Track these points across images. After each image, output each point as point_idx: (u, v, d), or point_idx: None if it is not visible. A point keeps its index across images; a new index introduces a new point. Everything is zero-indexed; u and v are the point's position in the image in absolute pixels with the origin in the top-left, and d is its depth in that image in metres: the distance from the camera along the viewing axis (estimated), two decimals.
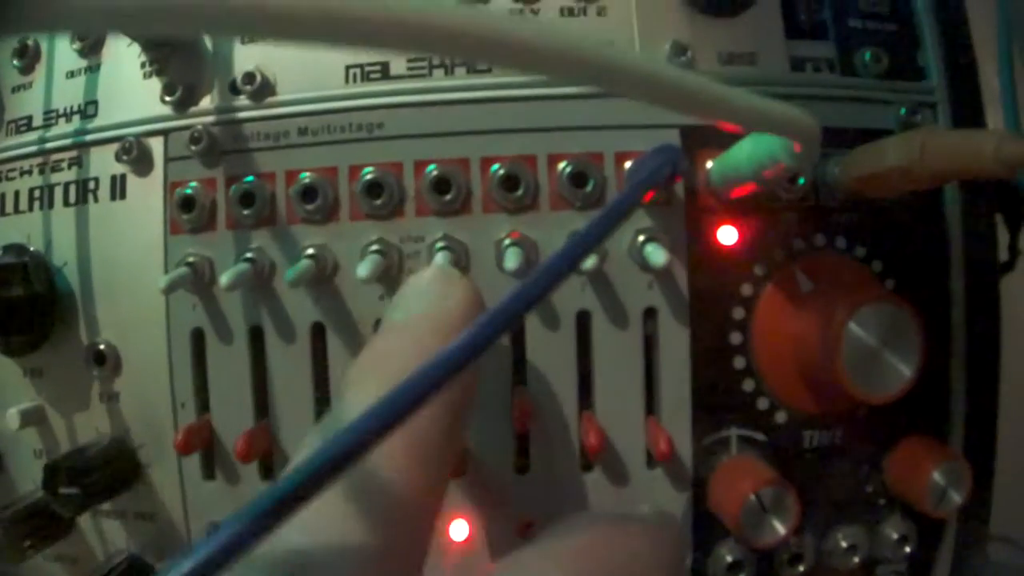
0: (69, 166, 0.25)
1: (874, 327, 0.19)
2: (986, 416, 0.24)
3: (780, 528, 0.20)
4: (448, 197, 0.22)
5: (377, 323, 0.22)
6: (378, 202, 0.22)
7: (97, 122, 0.25)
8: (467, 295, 0.17)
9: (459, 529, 0.22)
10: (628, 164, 0.22)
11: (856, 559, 0.23)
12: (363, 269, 0.20)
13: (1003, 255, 0.26)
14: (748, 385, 0.22)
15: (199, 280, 0.22)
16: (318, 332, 0.22)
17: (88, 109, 0.25)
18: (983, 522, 0.25)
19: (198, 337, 0.23)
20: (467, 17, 0.10)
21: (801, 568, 0.23)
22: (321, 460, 0.12)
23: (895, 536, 0.23)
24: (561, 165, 0.22)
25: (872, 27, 0.24)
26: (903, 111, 0.24)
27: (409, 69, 0.22)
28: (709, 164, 0.22)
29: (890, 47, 0.24)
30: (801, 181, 0.22)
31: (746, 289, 0.22)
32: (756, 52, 0.23)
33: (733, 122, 0.16)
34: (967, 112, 0.24)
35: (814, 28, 0.24)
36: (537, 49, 0.11)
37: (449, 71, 0.22)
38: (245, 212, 0.22)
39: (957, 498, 0.21)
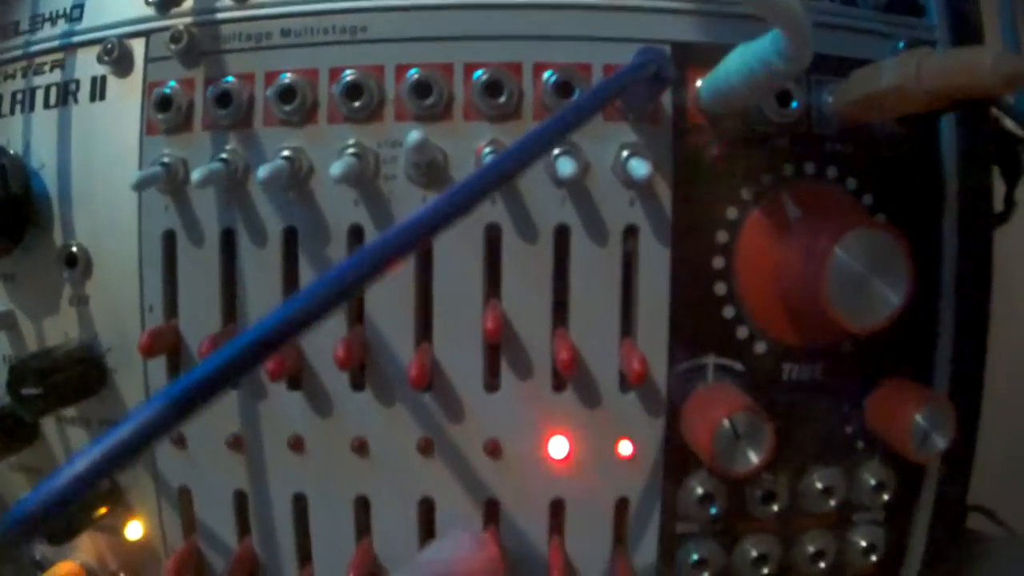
0: (52, 69, 0.25)
1: (861, 253, 0.19)
2: (973, 363, 0.23)
3: (753, 457, 0.19)
4: (428, 101, 0.21)
5: (351, 229, 0.21)
6: (357, 104, 0.21)
7: (82, 24, 0.24)
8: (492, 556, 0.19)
9: (424, 446, 0.21)
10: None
11: (832, 503, 0.22)
12: (336, 168, 0.20)
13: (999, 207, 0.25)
14: (728, 312, 0.21)
15: (172, 181, 0.22)
16: (290, 236, 0.22)
17: (73, 12, 0.24)
18: (964, 476, 0.24)
19: (169, 239, 0.22)
20: None
21: (775, 507, 0.22)
22: (235, 349, 0.12)
23: (872, 482, 0.22)
24: (546, 74, 0.21)
25: None
26: (901, 45, 0.23)
27: None
28: (699, 83, 0.21)
29: None
30: (794, 105, 0.22)
31: (732, 212, 0.21)
32: None
33: None
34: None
35: None
36: None
37: None
38: (222, 112, 0.22)
39: (940, 442, 0.21)
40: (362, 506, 0.22)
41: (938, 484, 0.23)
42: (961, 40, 0.23)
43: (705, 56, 0.21)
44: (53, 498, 0.10)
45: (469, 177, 0.15)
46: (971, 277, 0.23)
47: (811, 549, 0.22)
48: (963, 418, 0.22)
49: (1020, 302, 0.36)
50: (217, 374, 0.12)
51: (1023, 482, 0.34)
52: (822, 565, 0.22)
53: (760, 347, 0.22)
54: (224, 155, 0.22)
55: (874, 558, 0.23)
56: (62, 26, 0.25)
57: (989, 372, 0.24)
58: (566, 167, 0.19)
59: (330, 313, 0.13)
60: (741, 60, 0.18)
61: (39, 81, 0.25)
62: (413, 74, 0.21)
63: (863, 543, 0.23)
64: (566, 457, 0.21)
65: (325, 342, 0.21)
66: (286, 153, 0.21)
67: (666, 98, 0.21)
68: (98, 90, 0.24)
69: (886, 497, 0.22)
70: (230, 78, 0.22)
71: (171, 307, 0.23)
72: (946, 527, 0.23)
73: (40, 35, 0.25)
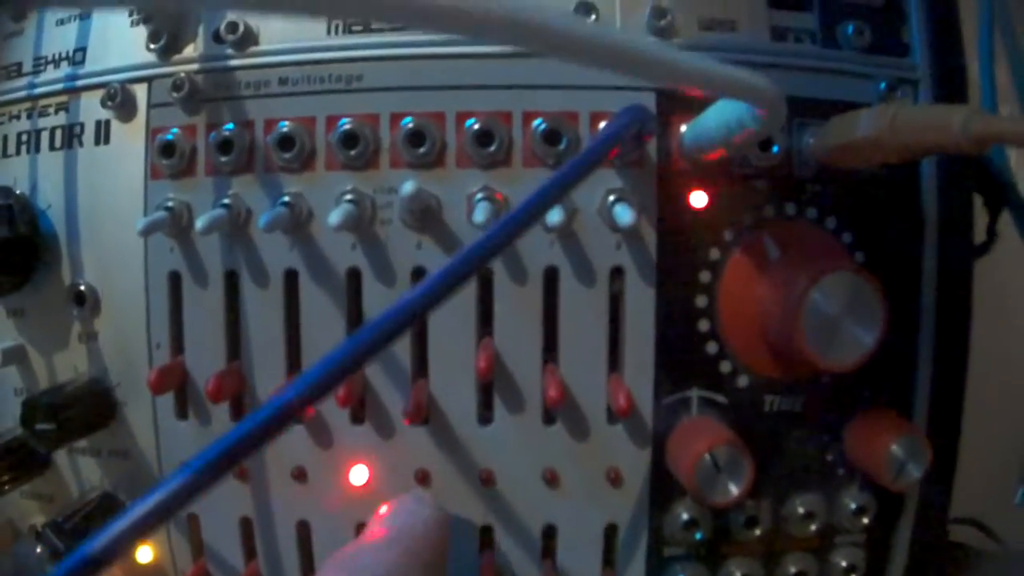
0: (56, 111, 0.25)
1: (837, 296, 0.20)
2: (952, 395, 0.24)
3: (734, 488, 0.20)
4: (422, 150, 0.22)
5: (349, 272, 0.22)
6: (353, 152, 0.22)
7: (85, 68, 0.25)
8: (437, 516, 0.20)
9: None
10: (603, 124, 0.22)
11: (813, 527, 0.23)
12: (334, 217, 0.21)
13: (980, 237, 0.26)
14: (711, 348, 0.22)
15: (177, 224, 0.23)
16: (291, 278, 0.23)
17: (76, 56, 0.25)
18: (944, 501, 0.25)
19: (175, 279, 0.23)
20: None
21: (757, 531, 0.23)
22: (267, 413, 0.13)
23: (853, 506, 0.23)
24: (535, 123, 0.22)
25: (857, 1, 0.24)
26: (883, 86, 0.24)
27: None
28: (683, 128, 0.22)
29: (874, 21, 0.24)
30: (775, 149, 0.22)
31: (714, 253, 0.22)
32: (737, 19, 0.23)
33: (693, 87, 0.16)
34: (949, 92, 0.24)
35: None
36: (474, 13, 0.11)
37: None
38: (223, 159, 0.23)
39: (915, 472, 0.22)
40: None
41: (918, 508, 0.24)
42: (944, 79, 0.24)
43: (689, 101, 0.22)
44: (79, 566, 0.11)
45: (477, 241, 0.16)
46: (950, 308, 0.24)
47: (793, 570, 0.23)
48: (942, 445, 0.23)
49: (1012, 311, 0.37)
50: (240, 445, 0.13)
51: (1011, 493, 0.35)
52: None
53: (743, 380, 0.23)
54: (227, 200, 0.22)
55: None
56: (65, 69, 0.25)
57: (979, 381, 0.24)
58: (555, 216, 0.20)
59: (338, 386, 0.14)
60: (719, 116, 0.19)
61: (44, 123, 0.26)
62: (407, 123, 0.22)
63: (844, 564, 0.24)
64: (557, 485, 0.22)
65: None
66: (286, 199, 0.22)
67: (651, 143, 0.22)
68: (103, 134, 0.25)
69: (866, 521, 0.23)
70: (231, 125, 0.23)
71: (177, 344, 0.23)
72: (926, 550, 0.24)
73: (44, 77, 0.26)
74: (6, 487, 0.24)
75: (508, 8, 0.11)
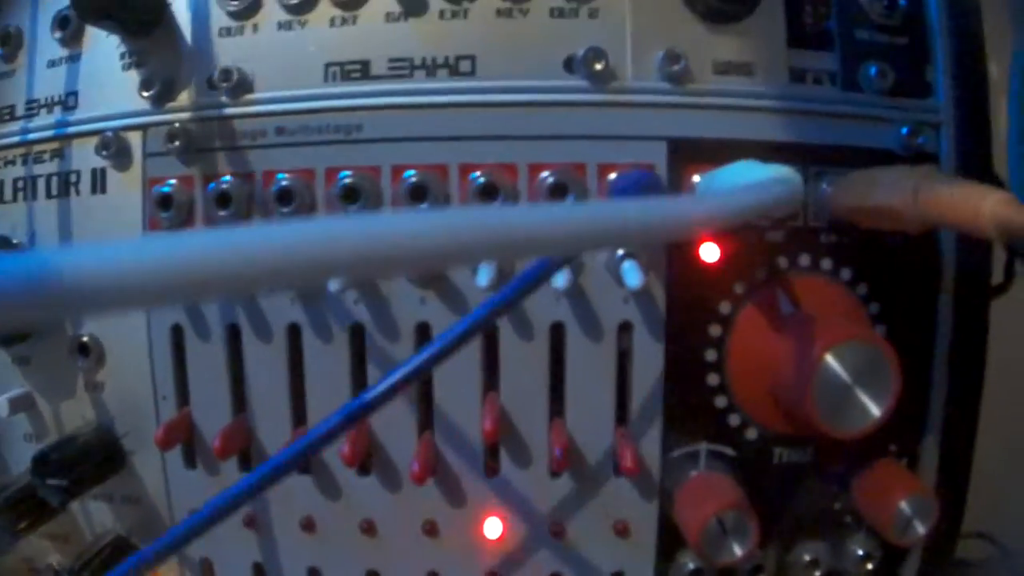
0: (51, 158, 0.25)
1: (850, 364, 0.19)
2: (962, 442, 0.24)
3: (738, 551, 0.20)
4: (425, 205, 0.21)
5: (353, 328, 0.22)
6: (354, 207, 0.21)
7: (78, 114, 0.24)
8: None
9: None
10: (611, 176, 0.21)
11: (817, 573, 0.23)
12: (334, 282, 0.20)
13: (997, 277, 0.26)
14: (721, 401, 0.22)
15: None
16: (294, 332, 0.22)
17: (69, 100, 0.25)
18: (950, 547, 0.25)
19: (177, 333, 0.23)
20: None
21: None
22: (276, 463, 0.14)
23: (860, 552, 0.23)
24: (542, 175, 0.21)
25: (881, 40, 0.23)
26: (904, 131, 0.22)
27: (390, 69, 0.22)
28: (696, 179, 0.21)
29: (897, 62, 0.23)
30: None
31: (725, 307, 0.22)
32: (754, 62, 0.22)
33: (721, 227, 0.15)
34: (973, 136, 0.23)
35: (819, 37, 0.23)
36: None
37: (431, 72, 0.22)
38: (222, 213, 0.22)
39: (921, 529, 0.21)
40: None
41: (923, 552, 0.24)
42: (967, 121, 0.23)
43: (701, 150, 0.21)
44: None
45: (473, 315, 0.16)
46: (964, 354, 0.23)
47: None
48: (949, 494, 0.23)
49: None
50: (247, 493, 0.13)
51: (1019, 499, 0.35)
52: None
53: (751, 433, 0.22)
54: None
55: None
56: (58, 114, 0.25)
57: (989, 385, 0.24)
58: (560, 281, 0.20)
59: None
60: (736, 181, 0.18)
61: (39, 170, 0.25)
62: (410, 176, 0.21)
63: None
64: (563, 538, 0.23)
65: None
66: None
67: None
68: (98, 183, 0.24)
69: (871, 566, 0.24)
70: (228, 178, 0.22)
71: (183, 395, 0.23)
72: None
73: (37, 122, 0.25)
74: (22, 532, 0.25)
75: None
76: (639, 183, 0.20)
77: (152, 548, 0.13)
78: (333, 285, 0.20)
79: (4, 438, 0.26)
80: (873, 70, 0.22)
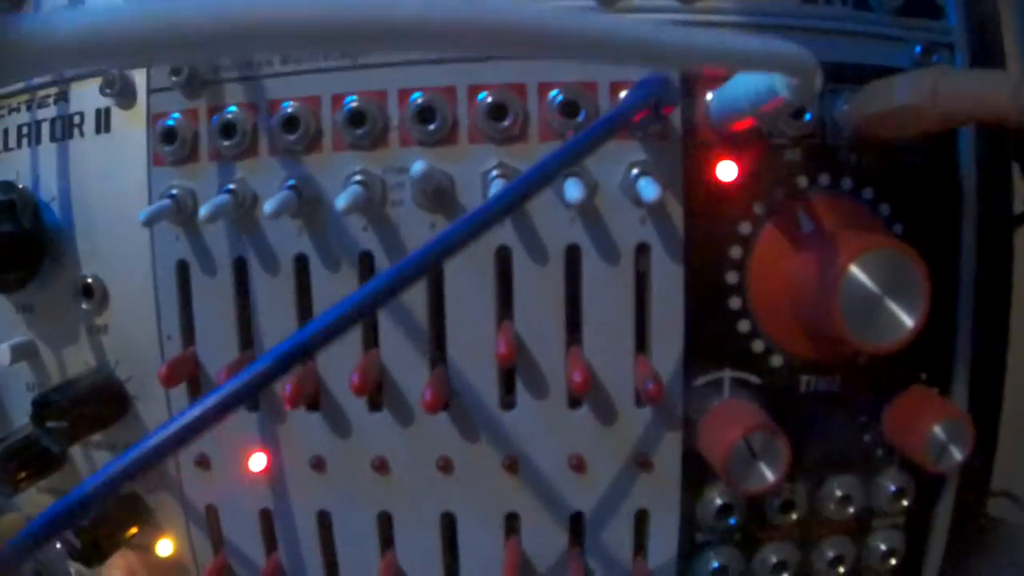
0: (55, 101, 0.25)
1: (877, 274, 0.18)
2: (993, 369, 0.23)
3: (769, 474, 0.20)
4: (433, 127, 0.21)
5: (362, 256, 0.22)
6: (360, 131, 0.21)
7: None
8: None
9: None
10: (623, 95, 0.21)
11: (851, 510, 0.22)
12: (341, 200, 0.20)
13: (1019, 207, 0.25)
14: (743, 326, 0.21)
15: (182, 212, 0.22)
16: (302, 263, 0.22)
17: None
18: (985, 479, 0.24)
19: (183, 269, 0.22)
20: None
21: (794, 516, 0.22)
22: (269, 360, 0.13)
23: (892, 488, 0.22)
24: (551, 94, 0.21)
25: None
26: (918, 49, 0.22)
27: None
28: (708, 96, 0.21)
29: None
30: (807, 117, 0.21)
31: (744, 227, 0.21)
32: None
33: (726, 66, 0.15)
34: (985, 55, 0.23)
35: None
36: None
37: None
38: (226, 143, 0.22)
39: (958, 455, 0.21)
40: (385, 521, 0.23)
41: (957, 488, 0.23)
42: (980, 43, 0.22)
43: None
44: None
45: (476, 209, 0.15)
46: (990, 281, 0.23)
47: (830, 555, 0.22)
48: (982, 422, 0.22)
49: None
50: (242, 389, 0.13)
51: None
52: (841, 570, 0.22)
53: (776, 360, 0.22)
54: (232, 185, 0.22)
55: (893, 562, 0.23)
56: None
57: (1013, 353, 0.23)
58: (574, 192, 0.19)
59: (344, 333, 0.13)
60: (747, 84, 0.18)
61: (43, 114, 0.25)
62: (416, 98, 0.21)
63: (883, 547, 0.23)
64: (583, 471, 0.22)
65: (342, 365, 0.21)
66: (293, 182, 0.21)
67: (675, 113, 0.21)
68: (103, 122, 0.24)
69: (905, 503, 0.22)
70: (233, 108, 0.22)
71: (188, 335, 0.23)
72: (966, 529, 0.23)
73: None
74: (22, 484, 0.24)
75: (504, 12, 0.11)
76: (649, 84, 0.19)
77: (121, 459, 0.12)
78: (340, 202, 0.19)
79: (5, 388, 0.26)
80: None
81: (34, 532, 0.14)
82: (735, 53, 0.14)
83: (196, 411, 0.13)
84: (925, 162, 0.22)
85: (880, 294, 0.18)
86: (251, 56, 0.22)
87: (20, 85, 0.25)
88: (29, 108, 0.25)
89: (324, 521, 0.23)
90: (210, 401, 0.13)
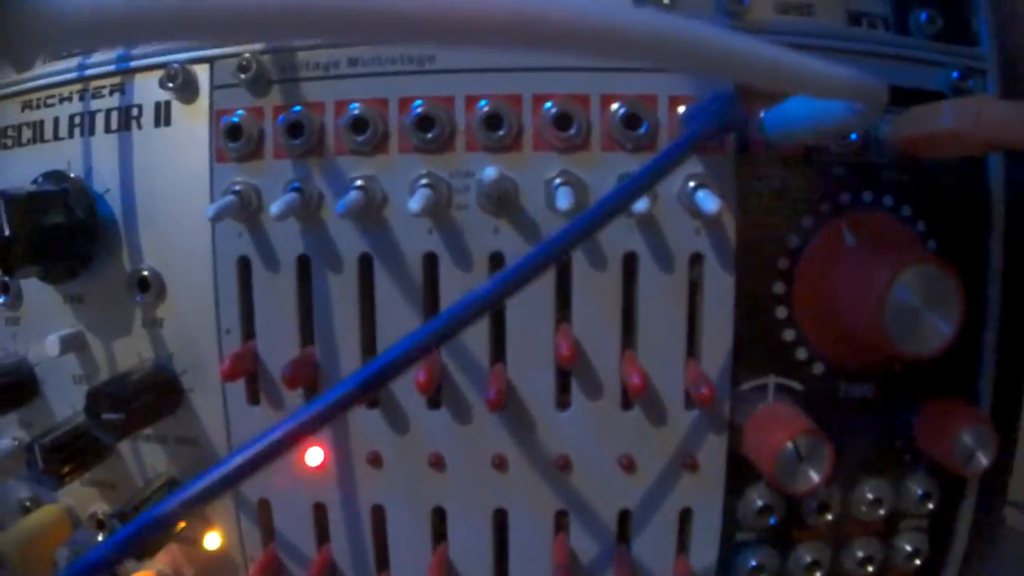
0: (111, 92, 0.25)
1: (917, 287, 0.20)
2: (1014, 380, 0.24)
3: (814, 476, 0.21)
4: (499, 133, 0.21)
5: (425, 257, 0.22)
6: (428, 136, 0.22)
7: (141, 49, 0.24)
8: None
9: (497, 460, 0.22)
10: (681, 109, 0.22)
11: (881, 511, 0.23)
12: (415, 203, 0.20)
13: None
14: (788, 335, 0.22)
15: (245, 208, 0.22)
16: (366, 263, 0.22)
17: None
18: (1004, 485, 0.25)
19: (244, 265, 0.23)
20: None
21: (828, 517, 0.23)
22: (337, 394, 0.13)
23: (919, 492, 0.24)
24: (614, 106, 0.22)
25: None
26: (955, 75, 0.23)
27: None
28: (762, 114, 0.22)
29: (945, 9, 0.24)
30: (854, 136, 0.22)
31: (792, 240, 0.22)
32: (814, 3, 0.23)
33: (803, 92, 0.16)
34: (1016, 83, 0.24)
35: None
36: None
37: None
38: (293, 142, 0.22)
39: (984, 459, 0.22)
40: (438, 516, 0.23)
41: (978, 493, 0.24)
42: (1010, 68, 0.24)
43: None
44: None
45: (551, 239, 0.16)
46: (1015, 296, 0.24)
47: (860, 555, 0.24)
48: (1004, 432, 0.23)
49: None
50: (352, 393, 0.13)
51: None
52: (870, 569, 0.24)
53: (818, 368, 0.23)
54: (297, 183, 0.22)
55: (918, 562, 0.24)
56: (120, 49, 0.25)
57: None
58: (640, 205, 0.20)
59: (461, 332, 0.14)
60: (811, 107, 0.19)
61: (97, 105, 0.25)
62: (483, 106, 0.21)
63: (908, 548, 0.24)
64: (632, 471, 0.23)
65: None
66: (360, 183, 0.22)
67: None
68: (163, 116, 0.24)
69: (931, 506, 0.24)
70: (299, 107, 0.22)
71: (248, 329, 0.23)
72: (985, 532, 0.25)
73: (96, 58, 0.25)
74: (67, 477, 0.24)
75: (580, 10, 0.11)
76: (716, 101, 0.20)
77: (201, 480, 0.12)
78: (414, 204, 0.20)
79: (50, 380, 0.26)
80: (923, 16, 0.23)
81: (109, 549, 0.14)
82: (815, 78, 0.15)
83: (278, 433, 0.14)
84: (958, 182, 0.23)
85: (920, 306, 0.20)
86: (312, 51, 0.22)
87: (73, 74, 0.25)
88: (83, 98, 0.25)
89: (378, 515, 0.23)
90: (293, 422, 0.14)
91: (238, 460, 0.14)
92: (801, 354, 0.23)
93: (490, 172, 0.20)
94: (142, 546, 0.16)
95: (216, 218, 0.22)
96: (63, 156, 0.25)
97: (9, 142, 0.26)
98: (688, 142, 0.18)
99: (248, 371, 0.23)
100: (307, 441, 0.13)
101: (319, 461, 0.23)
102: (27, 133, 0.26)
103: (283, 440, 0.14)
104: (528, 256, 0.15)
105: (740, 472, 0.23)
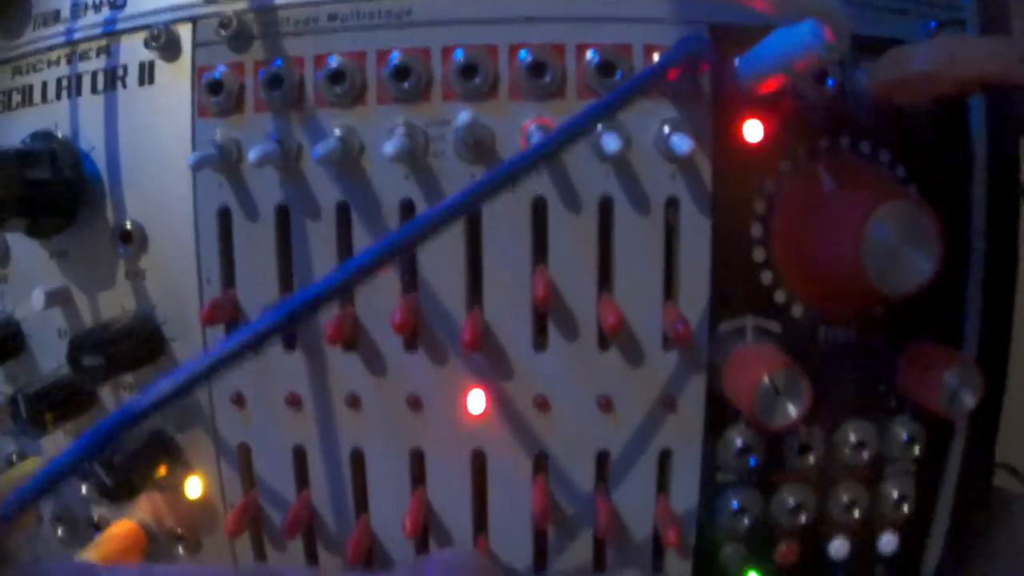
0: (98, 55, 0.25)
1: (894, 225, 0.20)
2: (1000, 326, 0.24)
3: (792, 410, 0.21)
4: (475, 82, 0.22)
5: (401, 204, 0.22)
6: (405, 85, 0.22)
7: (126, 11, 0.25)
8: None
9: (476, 401, 0.22)
10: (656, 57, 0.22)
11: (865, 455, 0.23)
12: (390, 147, 0.21)
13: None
14: (766, 278, 0.22)
15: (226, 160, 0.23)
16: (343, 211, 0.23)
17: (117, 0, 0.25)
18: (992, 432, 0.25)
19: (225, 216, 0.23)
20: None
21: (811, 459, 0.23)
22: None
23: (904, 436, 0.23)
24: (589, 54, 0.22)
25: None
26: (933, 24, 0.24)
27: None
28: (737, 61, 0.22)
29: None
30: (830, 83, 0.22)
31: (769, 184, 0.22)
32: None
33: (767, 8, 0.16)
34: (994, 32, 0.24)
35: None
36: None
37: None
38: (273, 94, 0.22)
39: (969, 400, 0.22)
40: (417, 459, 0.23)
41: (966, 440, 0.24)
42: (989, 22, 0.24)
43: (743, 35, 0.22)
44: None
45: (514, 157, 0.16)
46: (998, 244, 0.24)
47: (845, 499, 0.23)
48: (989, 379, 0.23)
49: None
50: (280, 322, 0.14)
51: None
52: (855, 515, 0.23)
53: (797, 311, 0.23)
54: (278, 136, 0.22)
55: (905, 509, 0.24)
56: (106, 13, 0.25)
57: (1017, 330, 0.25)
58: (611, 144, 0.20)
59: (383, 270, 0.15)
60: (779, 44, 0.19)
61: (84, 67, 0.25)
62: (459, 55, 0.22)
63: (895, 494, 0.24)
64: (611, 412, 0.23)
65: (380, 307, 0.22)
66: (338, 133, 0.22)
67: (705, 75, 0.22)
68: (146, 75, 0.24)
69: (917, 451, 0.24)
70: (279, 61, 0.23)
71: (228, 279, 0.23)
72: (973, 482, 0.25)
73: (83, 22, 0.25)
74: (50, 425, 0.24)
75: None
76: (688, 41, 0.21)
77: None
78: (389, 148, 0.20)
79: (36, 335, 0.26)
80: None
81: (78, 453, 0.14)
82: None
83: (237, 340, 0.14)
84: (938, 127, 0.24)
85: (898, 244, 0.20)
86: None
87: (61, 39, 0.26)
88: (70, 62, 0.26)
89: (357, 458, 0.23)
90: (249, 331, 0.14)
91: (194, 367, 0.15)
92: (780, 297, 0.23)
93: (464, 116, 0.20)
94: (111, 449, 0.16)
95: (197, 167, 0.22)
96: (51, 118, 0.26)
97: (0, 107, 0.27)
98: (654, 71, 0.19)
99: (227, 317, 0.23)
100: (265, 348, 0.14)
101: (298, 404, 0.23)
102: (16, 98, 0.27)
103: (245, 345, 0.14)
104: (489, 175, 0.16)
105: (720, 413, 0.23)
